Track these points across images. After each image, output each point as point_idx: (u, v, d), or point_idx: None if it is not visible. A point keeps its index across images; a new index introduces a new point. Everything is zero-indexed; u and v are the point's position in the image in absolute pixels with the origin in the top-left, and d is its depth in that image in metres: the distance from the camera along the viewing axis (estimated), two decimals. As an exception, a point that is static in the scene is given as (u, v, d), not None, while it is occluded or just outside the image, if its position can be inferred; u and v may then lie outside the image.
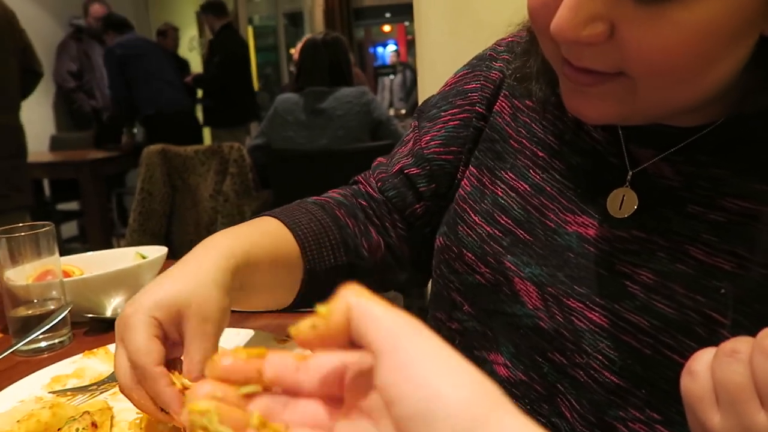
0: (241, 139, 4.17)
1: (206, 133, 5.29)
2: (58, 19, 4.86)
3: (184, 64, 5.26)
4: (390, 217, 0.73)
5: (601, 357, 0.52)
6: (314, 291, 0.68)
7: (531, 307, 0.56)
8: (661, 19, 0.39)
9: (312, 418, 0.26)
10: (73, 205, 4.34)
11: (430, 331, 0.23)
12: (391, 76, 7.10)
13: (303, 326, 0.25)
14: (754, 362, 0.35)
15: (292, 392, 0.27)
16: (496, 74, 0.68)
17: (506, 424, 0.21)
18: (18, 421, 0.54)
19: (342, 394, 0.26)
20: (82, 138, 4.48)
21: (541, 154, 0.60)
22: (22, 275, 0.81)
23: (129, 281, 0.90)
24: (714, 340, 0.42)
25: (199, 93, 4.87)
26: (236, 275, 0.55)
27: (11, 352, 0.73)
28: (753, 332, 0.36)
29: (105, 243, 3.48)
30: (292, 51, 7.33)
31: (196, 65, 6.00)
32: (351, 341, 0.25)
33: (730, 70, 0.43)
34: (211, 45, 4.37)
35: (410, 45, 9.20)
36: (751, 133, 0.48)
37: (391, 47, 9.61)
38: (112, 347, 0.74)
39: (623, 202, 0.53)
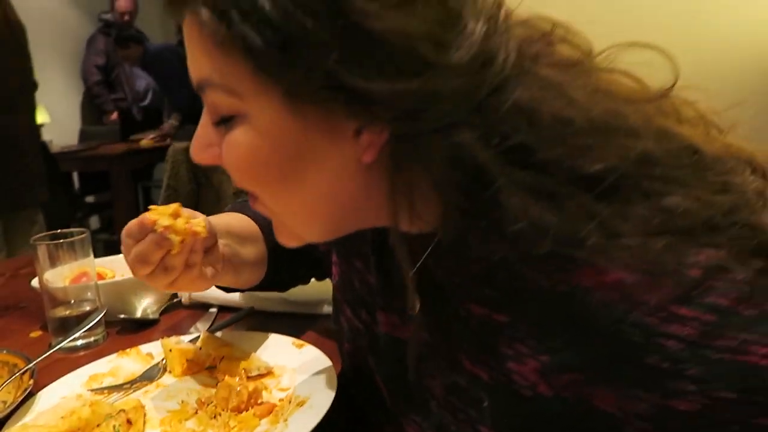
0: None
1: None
2: (88, 14, 4.96)
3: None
4: None
5: None
6: (281, 267, 0.77)
7: (389, 405, 0.59)
8: (230, 141, 0.46)
9: None
10: (97, 197, 4.46)
11: None
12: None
13: None
14: None
15: None
16: None
17: None
18: (62, 417, 0.60)
19: None
20: (110, 131, 4.59)
21: (358, 263, 0.63)
22: (59, 277, 0.87)
23: (158, 284, 0.96)
24: None
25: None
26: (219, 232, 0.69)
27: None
28: None
29: (132, 234, 3.57)
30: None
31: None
32: None
33: (329, 182, 0.45)
34: None
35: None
36: (467, 244, 0.47)
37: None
38: (143, 347, 0.80)
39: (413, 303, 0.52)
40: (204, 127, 0.49)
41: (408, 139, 0.42)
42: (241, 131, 0.45)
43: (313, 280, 0.85)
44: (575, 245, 0.39)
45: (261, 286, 0.79)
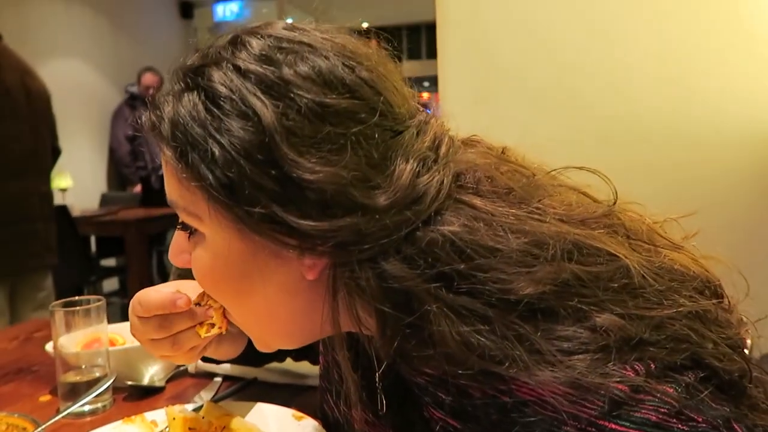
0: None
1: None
2: (115, 86, 5.22)
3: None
4: None
5: None
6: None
7: None
8: (193, 256, 0.53)
9: None
10: (112, 261, 4.53)
11: None
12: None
13: None
14: None
15: None
16: None
17: None
18: (66, 482, 0.62)
19: None
20: (130, 197, 4.73)
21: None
22: (72, 342, 0.91)
23: (166, 351, 0.99)
24: None
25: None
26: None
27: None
28: None
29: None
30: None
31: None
32: None
33: (277, 296, 0.51)
34: None
35: (446, 112, 9.39)
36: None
37: (428, 114, 9.83)
38: (148, 415, 0.82)
39: (382, 402, 0.54)
40: (179, 235, 0.56)
41: (343, 265, 0.46)
42: (201, 249, 0.52)
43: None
44: (500, 363, 0.42)
45: (237, 360, 0.79)
